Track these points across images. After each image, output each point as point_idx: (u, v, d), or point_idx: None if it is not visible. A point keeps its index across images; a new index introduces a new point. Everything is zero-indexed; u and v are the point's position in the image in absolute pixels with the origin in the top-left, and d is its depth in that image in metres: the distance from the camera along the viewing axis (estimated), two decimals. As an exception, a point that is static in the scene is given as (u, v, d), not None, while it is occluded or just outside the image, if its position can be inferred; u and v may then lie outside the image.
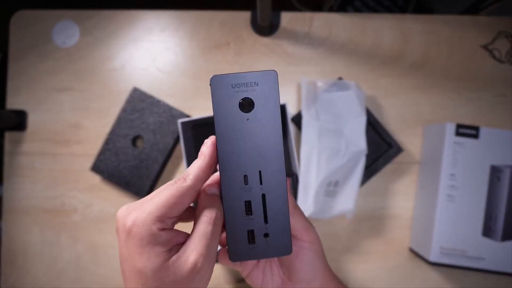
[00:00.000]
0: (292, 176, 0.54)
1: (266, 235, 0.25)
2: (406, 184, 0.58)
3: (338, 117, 0.55)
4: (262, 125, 0.24)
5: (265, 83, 0.24)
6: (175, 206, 0.24)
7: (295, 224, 0.28)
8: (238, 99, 0.24)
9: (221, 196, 0.25)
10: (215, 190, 0.26)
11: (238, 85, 0.24)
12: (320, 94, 0.56)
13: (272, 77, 0.24)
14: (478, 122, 0.57)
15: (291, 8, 1.11)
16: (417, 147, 0.58)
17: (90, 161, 0.58)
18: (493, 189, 0.50)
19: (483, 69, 0.59)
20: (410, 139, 0.58)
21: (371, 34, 0.60)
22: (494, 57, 0.59)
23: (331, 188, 0.54)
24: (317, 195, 0.52)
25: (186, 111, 0.59)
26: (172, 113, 0.57)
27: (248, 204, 0.25)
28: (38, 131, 0.60)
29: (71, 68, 0.61)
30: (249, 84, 0.24)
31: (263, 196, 0.25)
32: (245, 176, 0.25)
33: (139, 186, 0.57)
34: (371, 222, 0.57)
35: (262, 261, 0.32)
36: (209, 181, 0.28)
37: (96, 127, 0.60)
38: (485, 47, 0.59)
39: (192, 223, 0.26)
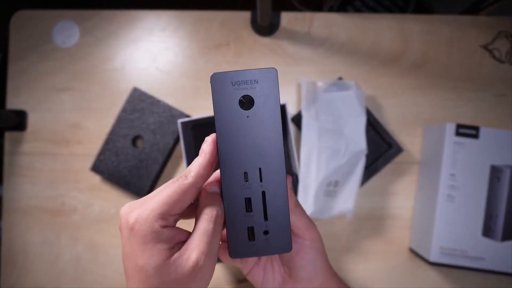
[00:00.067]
0: (292, 176, 0.54)
1: (266, 232, 0.26)
2: (406, 184, 0.58)
3: (338, 117, 0.55)
4: (262, 123, 0.24)
5: (265, 80, 0.24)
6: (177, 203, 0.24)
7: (297, 222, 0.29)
8: (238, 96, 0.24)
9: (222, 193, 0.25)
10: (215, 189, 0.26)
11: (238, 83, 0.24)
12: (320, 94, 0.56)
13: (272, 74, 0.24)
14: (478, 122, 0.57)
15: (291, 8, 1.11)
16: (417, 147, 0.58)
17: (90, 161, 0.58)
18: (493, 189, 0.50)
19: (483, 69, 0.59)
20: (410, 139, 0.58)
21: (371, 34, 0.60)
22: (494, 57, 0.59)
23: (331, 188, 0.54)
24: (317, 195, 0.52)
25: (186, 111, 0.59)
26: (172, 113, 0.57)
27: (248, 201, 0.25)
28: (38, 131, 0.60)
29: (71, 68, 0.61)
30: (249, 81, 0.24)
31: (263, 193, 0.25)
32: (245, 173, 0.25)
33: (139, 186, 0.57)
34: (371, 222, 0.57)
35: (263, 259, 0.32)
36: (210, 179, 0.28)
37: (96, 127, 0.60)
38: (485, 47, 0.59)
39: (193, 221, 0.26)
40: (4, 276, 0.58)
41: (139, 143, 0.59)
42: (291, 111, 0.59)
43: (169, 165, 0.59)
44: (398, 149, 0.56)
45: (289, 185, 0.26)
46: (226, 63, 0.60)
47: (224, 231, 0.30)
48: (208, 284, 0.24)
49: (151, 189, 0.58)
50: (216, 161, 0.26)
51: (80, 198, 0.59)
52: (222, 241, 0.30)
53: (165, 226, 0.23)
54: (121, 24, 0.61)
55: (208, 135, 0.26)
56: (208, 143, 0.25)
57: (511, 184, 0.49)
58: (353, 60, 0.60)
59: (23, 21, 0.61)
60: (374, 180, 0.57)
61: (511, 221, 0.49)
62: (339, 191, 0.55)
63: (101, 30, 0.61)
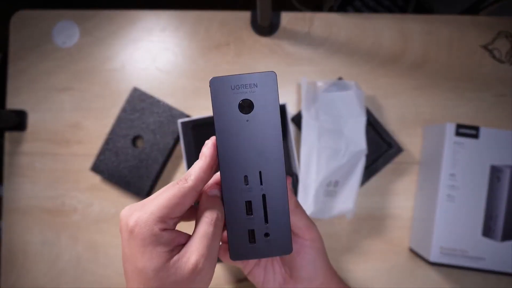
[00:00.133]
0: (292, 176, 0.54)
1: (266, 234, 0.26)
2: (406, 184, 0.58)
3: (338, 117, 0.55)
4: (262, 126, 0.25)
5: (264, 84, 0.24)
6: (177, 206, 0.24)
7: (297, 223, 0.29)
8: (238, 100, 0.24)
9: (222, 196, 0.25)
10: (216, 192, 0.26)
11: (237, 87, 0.24)
12: (320, 94, 0.56)
13: (271, 78, 0.24)
14: (478, 122, 0.57)
15: (291, 8, 1.11)
16: (417, 147, 0.58)
17: (90, 161, 0.58)
18: (493, 189, 0.50)
19: (483, 69, 0.59)
20: (410, 139, 0.58)
21: (371, 34, 0.60)
22: (494, 57, 0.59)
23: (331, 188, 0.54)
24: (317, 195, 0.52)
25: (186, 111, 0.59)
26: (172, 113, 0.57)
27: (248, 204, 0.25)
28: (38, 131, 0.60)
29: (71, 68, 0.61)
30: (248, 85, 0.24)
31: (263, 196, 0.25)
32: (246, 177, 0.25)
33: (139, 186, 0.57)
34: (371, 222, 0.57)
35: (264, 259, 0.32)
36: (211, 181, 0.28)
37: (96, 127, 0.60)
38: (485, 47, 0.59)
39: (193, 223, 0.26)
40: (4, 276, 0.58)
41: (139, 143, 0.59)
42: (291, 111, 0.59)
43: (169, 165, 0.59)
44: (398, 149, 0.56)
45: (289, 186, 0.26)
46: (226, 63, 0.60)
47: (225, 233, 0.30)
48: (207, 286, 0.24)
49: (151, 189, 0.58)
50: (216, 164, 0.26)
51: (80, 198, 0.59)
52: (223, 243, 0.30)
53: (164, 229, 0.23)
54: (121, 24, 0.61)
55: (208, 135, 0.26)
56: (208, 147, 0.25)
57: (511, 184, 0.49)
58: (353, 60, 0.60)
59: (23, 21, 0.61)
60: (374, 180, 0.57)
61: (511, 221, 0.49)
62: (339, 191, 0.55)
63: (101, 30, 0.61)
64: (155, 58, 0.61)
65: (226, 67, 0.60)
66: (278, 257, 0.32)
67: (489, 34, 0.59)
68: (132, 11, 0.61)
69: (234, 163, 0.25)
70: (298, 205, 0.29)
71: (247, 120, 0.24)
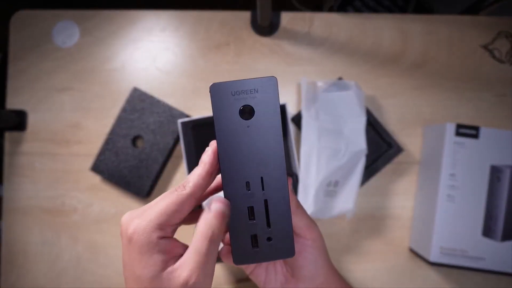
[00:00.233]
0: (292, 176, 0.54)
1: (269, 239, 0.26)
2: (406, 184, 0.58)
3: (338, 117, 0.55)
4: (263, 132, 0.24)
5: (265, 89, 0.24)
6: (175, 213, 0.24)
7: (298, 223, 0.29)
8: (238, 106, 0.24)
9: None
10: (218, 206, 0.25)
11: (237, 93, 0.24)
12: (320, 94, 0.56)
13: (271, 83, 0.24)
14: (478, 122, 0.57)
15: (291, 8, 1.12)
16: (417, 147, 0.58)
17: (90, 161, 0.58)
18: (493, 189, 0.50)
19: (483, 69, 0.59)
20: (410, 139, 0.58)
21: (371, 34, 0.60)
22: (494, 57, 0.59)
23: (331, 188, 0.54)
24: (317, 195, 0.52)
25: (186, 111, 0.59)
26: (172, 113, 0.57)
27: (251, 210, 0.25)
28: (38, 131, 0.60)
29: (71, 68, 0.61)
30: (249, 91, 0.24)
31: (265, 201, 0.25)
32: (247, 182, 0.25)
33: (139, 186, 0.57)
34: (371, 222, 0.57)
35: None
36: (213, 185, 0.28)
37: (96, 127, 0.60)
38: (485, 47, 0.59)
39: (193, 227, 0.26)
40: (4, 276, 0.58)
41: (139, 143, 0.59)
42: (291, 111, 0.59)
43: (169, 165, 0.59)
44: (398, 149, 0.56)
45: (290, 187, 0.26)
46: (226, 63, 0.60)
47: (227, 236, 0.30)
48: None
49: (151, 189, 0.58)
50: (216, 171, 0.26)
51: (80, 198, 0.59)
52: (227, 245, 0.30)
53: (162, 237, 0.24)
54: (121, 24, 0.61)
55: (208, 135, 0.26)
56: (208, 154, 0.25)
57: (511, 184, 0.49)
58: (353, 60, 0.60)
59: (23, 21, 0.61)
60: (374, 180, 0.57)
61: (511, 221, 0.49)
62: (339, 191, 0.55)
63: (101, 30, 0.61)
64: (155, 58, 0.61)
65: (226, 67, 0.60)
66: None
67: (489, 34, 0.59)
68: (132, 11, 0.61)
69: (235, 169, 0.25)
70: (299, 206, 0.29)
71: (248, 126, 0.24)
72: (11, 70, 0.61)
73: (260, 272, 0.32)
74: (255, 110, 0.24)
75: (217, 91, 0.24)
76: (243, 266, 0.32)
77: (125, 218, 0.25)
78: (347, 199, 0.54)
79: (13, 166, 0.60)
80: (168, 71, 0.60)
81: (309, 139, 0.53)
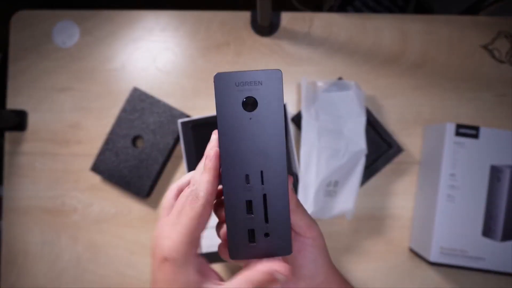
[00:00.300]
0: (292, 176, 0.54)
1: (266, 234, 0.26)
2: (406, 184, 0.58)
3: (338, 117, 0.55)
4: (265, 125, 0.24)
5: (270, 82, 0.24)
6: (199, 226, 0.25)
7: (298, 221, 0.29)
8: (242, 97, 0.24)
9: (223, 193, 0.25)
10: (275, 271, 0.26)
11: (242, 84, 0.24)
12: (320, 94, 0.56)
13: (277, 76, 0.24)
14: (478, 122, 0.57)
15: (291, 8, 1.12)
16: (417, 147, 0.58)
17: (90, 161, 0.58)
18: (493, 189, 0.50)
19: (483, 69, 0.59)
20: (410, 139, 0.58)
21: (371, 34, 0.60)
22: (494, 57, 0.59)
23: (331, 188, 0.54)
24: (317, 195, 0.52)
25: (186, 111, 0.59)
26: (172, 113, 0.57)
27: (249, 204, 0.25)
28: (38, 131, 0.60)
29: (71, 68, 0.61)
30: (253, 83, 0.24)
31: (264, 196, 0.25)
32: (247, 176, 0.25)
33: (139, 186, 0.57)
34: (371, 222, 0.57)
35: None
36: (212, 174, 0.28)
37: (96, 127, 0.60)
38: (485, 47, 0.59)
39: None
40: (4, 276, 0.58)
41: (139, 143, 0.59)
42: (291, 111, 0.59)
43: (169, 165, 0.59)
44: (398, 149, 0.56)
45: (290, 186, 0.26)
46: (226, 63, 0.60)
47: (225, 229, 0.30)
48: None
49: (151, 189, 0.58)
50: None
51: (80, 198, 0.59)
52: (224, 240, 0.30)
53: (197, 255, 0.25)
54: (121, 24, 0.61)
55: (208, 135, 0.26)
56: (210, 159, 0.25)
57: (511, 184, 0.49)
58: (353, 60, 0.60)
59: (23, 21, 0.61)
60: (374, 180, 0.57)
61: (511, 221, 0.49)
62: (339, 191, 0.55)
63: (101, 30, 0.61)
64: (155, 58, 0.61)
65: (226, 67, 0.60)
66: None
67: (489, 34, 0.59)
68: (132, 11, 0.61)
69: (235, 162, 0.24)
70: (299, 204, 0.29)
71: (250, 118, 0.24)
72: (11, 70, 0.61)
73: None
74: (258, 102, 0.24)
75: (220, 81, 0.24)
76: (241, 263, 0.32)
77: (155, 239, 0.25)
78: (347, 199, 0.54)
79: (13, 166, 0.60)
80: (168, 71, 0.60)
81: (309, 139, 0.53)
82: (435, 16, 0.61)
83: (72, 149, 0.60)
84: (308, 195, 0.52)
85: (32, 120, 0.60)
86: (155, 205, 0.59)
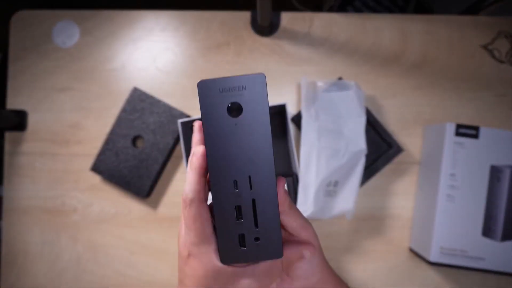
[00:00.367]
0: (292, 176, 0.54)
1: (256, 239, 0.26)
2: (406, 184, 0.58)
3: (337, 117, 0.55)
4: (251, 130, 0.24)
5: (253, 87, 0.24)
6: (203, 224, 0.26)
7: (292, 223, 0.29)
8: (226, 103, 0.24)
9: (212, 200, 0.26)
10: None
11: (226, 90, 0.24)
12: (320, 94, 0.56)
13: (260, 80, 0.24)
14: (478, 122, 0.57)
15: (291, 8, 1.12)
16: (417, 147, 0.58)
17: (90, 161, 0.58)
18: (493, 189, 0.50)
19: (483, 69, 0.59)
20: (410, 139, 0.58)
21: (371, 34, 0.60)
22: (494, 57, 0.59)
23: (331, 188, 0.54)
24: (317, 195, 0.52)
25: (186, 111, 0.59)
26: (172, 113, 0.57)
27: (238, 209, 0.25)
28: (38, 131, 0.60)
29: (71, 68, 0.61)
30: (237, 88, 0.24)
31: (253, 201, 0.25)
32: (235, 181, 0.25)
33: (139, 186, 0.57)
34: (371, 222, 0.57)
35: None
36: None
37: (96, 127, 0.60)
38: (485, 47, 0.59)
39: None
40: (4, 276, 0.58)
41: (139, 143, 0.59)
42: (291, 111, 0.59)
43: (169, 165, 0.59)
44: (398, 149, 0.56)
45: (283, 188, 0.26)
46: (226, 63, 0.60)
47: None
48: None
49: (151, 189, 0.58)
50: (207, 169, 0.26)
51: (80, 198, 0.59)
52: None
53: (214, 250, 0.26)
54: (121, 24, 0.61)
55: None
56: (197, 157, 0.26)
57: (511, 184, 0.49)
58: (353, 60, 0.60)
59: (23, 21, 0.61)
60: (374, 180, 0.57)
61: (511, 221, 0.49)
62: (339, 191, 0.55)
63: (101, 30, 0.61)
64: (155, 58, 0.61)
65: (226, 67, 0.60)
66: None
67: (489, 34, 0.59)
68: (132, 11, 0.61)
69: (223, 167, 0.25)
70: (292, 206, 0.29)
71: (235, 124, 0.24)
72: (11, 70, 0.61)
73: None
74: (243, 107, 0.24)
75: (204, 88, 0.24)
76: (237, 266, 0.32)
77: (178, 239, 0.27)
78: (347, 199, 0.54)
79: (13, 166, 0.60)
80: (168, 71, 0.60)
81: (309, 139, 0.53)
82: (435, 16, 0.61)
83: (72, 149, 0.60)
84: (308, 195, 0.52)
85: (32, 120, 0.60)
86: (155, 205, 0.59)
